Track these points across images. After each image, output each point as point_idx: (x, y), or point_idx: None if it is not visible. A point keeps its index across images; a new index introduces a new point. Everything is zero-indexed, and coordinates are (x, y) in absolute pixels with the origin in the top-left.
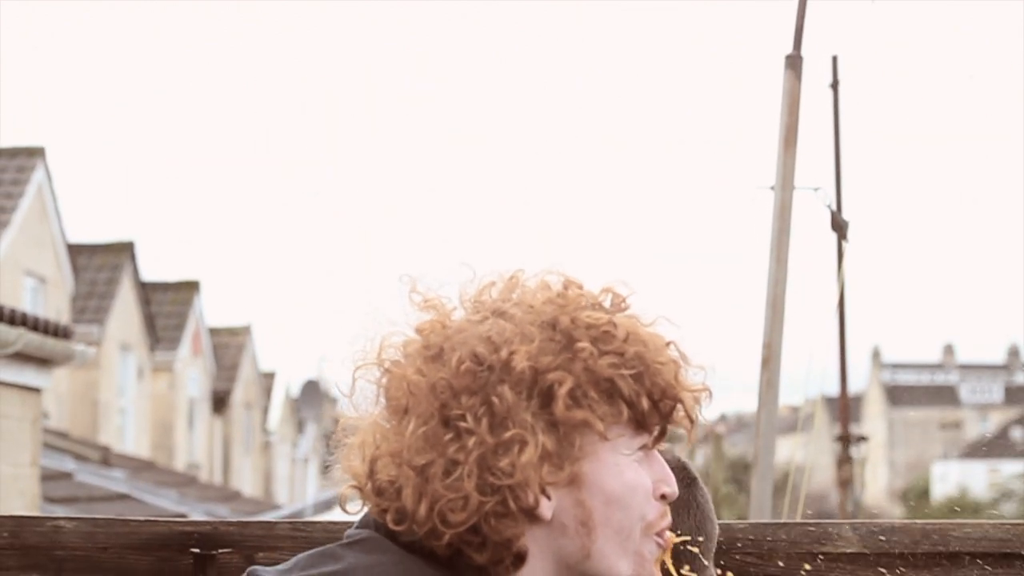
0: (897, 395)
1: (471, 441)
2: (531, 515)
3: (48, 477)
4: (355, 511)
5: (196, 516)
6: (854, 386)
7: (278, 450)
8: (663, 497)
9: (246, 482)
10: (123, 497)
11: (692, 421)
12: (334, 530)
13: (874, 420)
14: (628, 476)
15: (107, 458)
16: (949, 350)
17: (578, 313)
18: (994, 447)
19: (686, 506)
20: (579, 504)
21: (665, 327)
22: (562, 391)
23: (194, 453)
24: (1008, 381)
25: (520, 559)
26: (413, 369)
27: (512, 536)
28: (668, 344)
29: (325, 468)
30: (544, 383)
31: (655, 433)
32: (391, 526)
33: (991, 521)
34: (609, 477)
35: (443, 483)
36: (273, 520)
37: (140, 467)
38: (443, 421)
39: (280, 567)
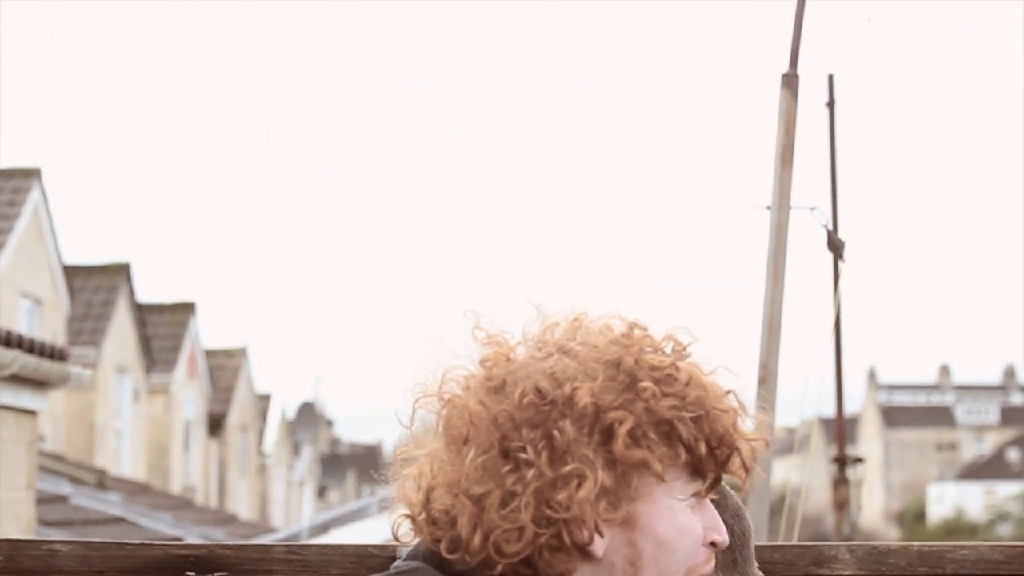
0: (893, 416)
1: (530, 473)
2: (584, 551)
3: (44, 500)
4: (408, 540)
5: (192, 539)
6: (850, 407)
7: (274, 472)
8: (713, 545)
9: (242, 505)
10: (119, 520)
11: (747, 471)
12: (330, 553)
13: (870, 441)
14: (681, 521)
15: (103, 481)
16: (945, 371)
17: (642, 355)
18: (990, 468)
19: (716, 503)
20: (630, 544)
21: (725, 376)
22: (622, 430)
23: (190, 476)
24: (1004, 402)
25: None
26: (475, 400)
27: (564, 571)
28: (728, 392)
29: (321, 491)
30: (605, 421)
31: (709, 480)
32: (444, 555)
33: (988, 543)
34: (662, 520)
35: (499, 513)
36: (269, 543)
37: (136, 490)
38: (503, 452)
39: None
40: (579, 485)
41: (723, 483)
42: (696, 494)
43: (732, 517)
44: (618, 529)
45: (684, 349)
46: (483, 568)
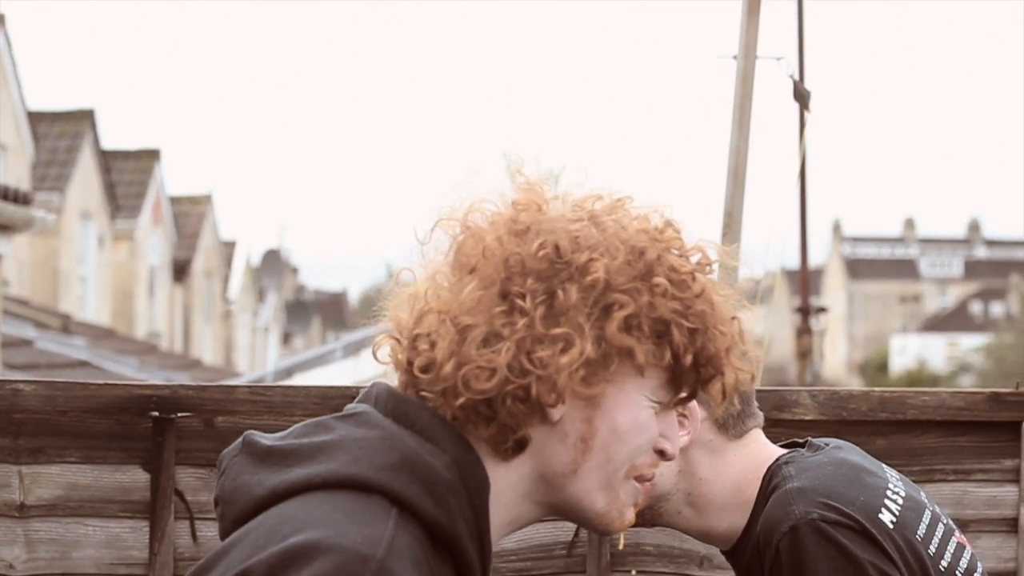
0: (857, 268)
1: (521, 322)
2: (543, 411)
3: (8, 344)
4: (385, 361)
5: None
6: (814, 259)
7: (239, 319)
8: (661, 453)
9: (207, 351)
10: (83, 364)
11: (725, 396)
12: (294, 395)
13: (834, 293)
14: (641, 417)
15: (67, 326)
16: (910, 224)
17: (666, 253)
18: (953, 321)
19: None
20: (587, 421)
21: (735, 303)
22: (620, 313)
23: (155, 322)
24: (968, 255)
25: (520, 447)
26: (494, 236)
27: (520, 423)
28: (733, 319)
29: (285, 337)
30: (609, 299)
31: (683, 394)
32: (416, 372)
33: (948, 390)
34: (624, 410)
35: (478, 350)
36: (233, 384)
37: (100, 335)
38: (502, 293)
39: (278, 433)
40: (564, 349)
41: None
42: (664, 403)
43: None
44: (581, 403)
45: (708, 265)
46: (447, 395)
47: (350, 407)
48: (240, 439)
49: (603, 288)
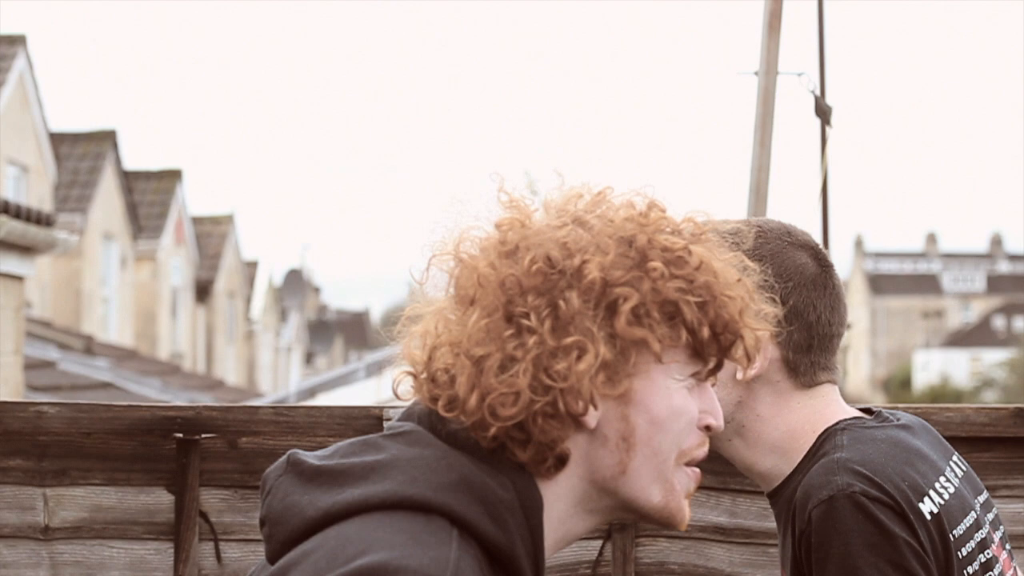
0: (880, 283)
1: (531, 340)
2: (577, 421)
3: (31, 366)
4: (407, 397)
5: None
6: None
7: (261, 339)
8: (707, 428)
9: (229, 371)
10: (106, 386)
11: (750, 359)
12: (317, 415)
13: (856, 308)
14: (676, 401)
15: (90, 347)
16: (932, 239)
17: (656, 235)
18: (976, 336)
19: (822, 286)
20: (624, 419)
21: (737, 264)
22: (626, 307)
23: (177, 342)
24: (990, 270)
25: (561, 462)
26: (486, 262)
27: (556, 438)
28: (738, 280)
29: (308, 357)
30: (611, 296)
31: (710, 364)
32: (442, 412)
33: (972, 406)
34: (657, 398)
35: (497, 377)
36: (256, 405)
37: (123, 356)
38: (507, 317)
39: (320, 452)
40: (579, 357)
41: (833, 272)
42: (695, 375)
43: (836, 300)
44: (613, 403)
45: (702, 233)
46: (477, 429)
47: (395, 425)
48: (284, 458)
49: (602, 286)
